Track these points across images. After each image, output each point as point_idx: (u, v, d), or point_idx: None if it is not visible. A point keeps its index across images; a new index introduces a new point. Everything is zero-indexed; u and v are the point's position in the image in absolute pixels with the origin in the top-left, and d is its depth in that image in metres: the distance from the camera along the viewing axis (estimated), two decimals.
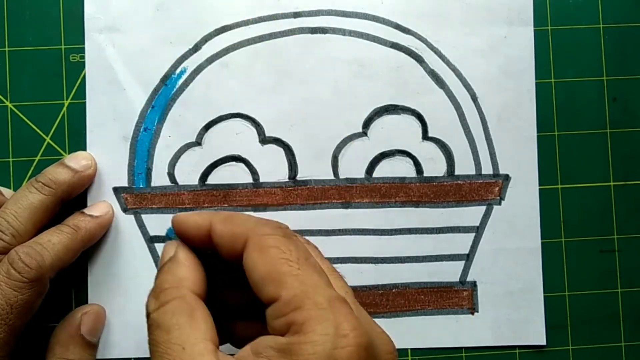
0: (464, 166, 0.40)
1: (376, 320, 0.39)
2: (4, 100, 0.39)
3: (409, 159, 0.40)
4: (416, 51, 0.40)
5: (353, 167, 0.39)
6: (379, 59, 0.39)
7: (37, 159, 0.39)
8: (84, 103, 0.39)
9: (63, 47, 0.39)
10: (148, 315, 0.28)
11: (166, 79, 0.39)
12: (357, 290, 0.39)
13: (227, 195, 0.39)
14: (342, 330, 0.25)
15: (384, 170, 0.40)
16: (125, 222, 0.39)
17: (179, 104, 0.39)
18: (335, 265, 0.39)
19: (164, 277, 0.29)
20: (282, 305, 0.26)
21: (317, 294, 0.26)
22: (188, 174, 0.39)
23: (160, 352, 0.27)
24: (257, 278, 0.27)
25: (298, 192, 0.39)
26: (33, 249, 0.34)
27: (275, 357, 0.25)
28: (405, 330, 0.39)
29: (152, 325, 0.28)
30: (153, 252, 0.39)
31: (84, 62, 0.39)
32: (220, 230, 0.29)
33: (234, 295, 0.32)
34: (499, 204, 0.40)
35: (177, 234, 0.31)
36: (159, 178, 0.39)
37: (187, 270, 0.29)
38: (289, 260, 0.27)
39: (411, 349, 0.39)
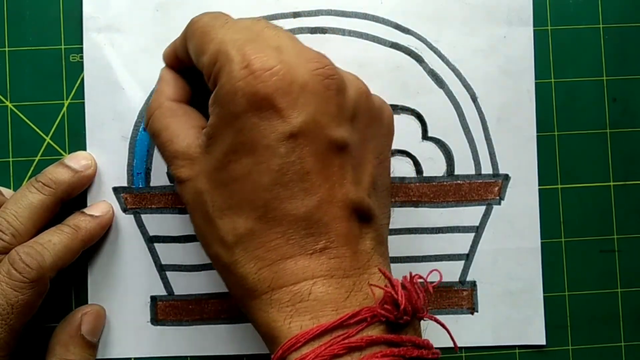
0: (464, 166, 0.40)
1: None
2: (4, 100, 0.39)
3: (408, 159, 0.40)
4: (416, 51, 0.40)
5: None
6: (378, 59, 0.39)
7: (37, 159, 0.39)
8: (84, 103, 0.39)
9: (63, 47, 0.39)
10: (144, 130, 0.35)
11: None
12: None
13: None
14: (242, 65, 0.28)
15: None
16: (125, 222, 0.39)
17: None
18: None
19: (152, 97, 0.34)
20: (206, 67, 0.30)
21: (226, 44, 0.29)
22: None
23: (161, 153, 0.33)
24: (194, 59, 0.31)
25: None
26: (33, 249, 0.34)
27: (212, 109, 0.30)
28: None
29: (150, 136, 0.33)
30: (153, 252, 0.39)
31: (84, 62, 0.39)
32: (177, 44, 0.34)
33: None
34: (499, 203, 0.40)
35: (164, 60, 0.36)
36: (158, 178, 0.39)
37: (165, 84, 0.34)
38: (207, 31, 0.30)
39: None
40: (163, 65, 0.37)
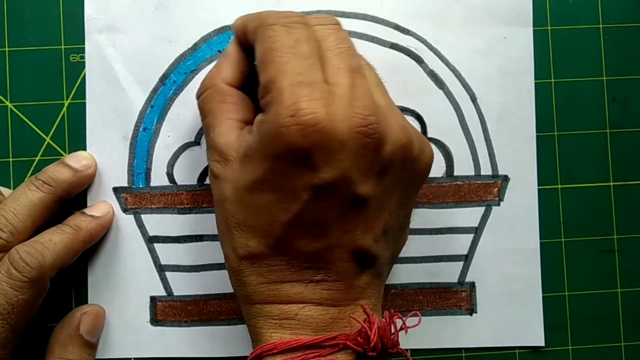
0: (463, 167, 0.40)
1: None
2: (4, 100, 0.39)
3: None
4: (415, 52, 0.40)
5: None
6: (378, 60, 0.39)
7: (37, 159, 0.39)
8: (84, 103, 0.39)
9: (63, 47, 0.39)
10: (197, 100, 0.34)
11: (165, 78, 0.39)
12: None
13: None
14: (291, 111, 0.28)
15: None
16: (125, 222, 0.39)
17: (177, 103, 0.39)
18: None
19: (210, 70, 0.34)
20: (261, 89, 0.30)
21: (283, 79, 0.29)
22: (187, 173, 0.39)
23: (205, 134, 0.33)
24: (257, 66, 0.31)
25: None
26: (34, 249, 0.34)
27: (255, 132, 0.30)
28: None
29: (199, 110, 0.34)
30: (152, 252, 0.39)
31: (84, 62, 0.39)
32: (242, 25, 0.33)
33: None
34: (498, 204, 0.40)
35: (234, 31, 0.34)
36: (158, 178, 0.39)
37: (226, 63, 0.34)
38: (273, 50, 0.30)
39: (410, 350, 0.39)
40: (162, 66, 0.37)
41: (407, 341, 0.39)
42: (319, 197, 0.29)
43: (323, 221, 0.30)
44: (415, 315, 0.34)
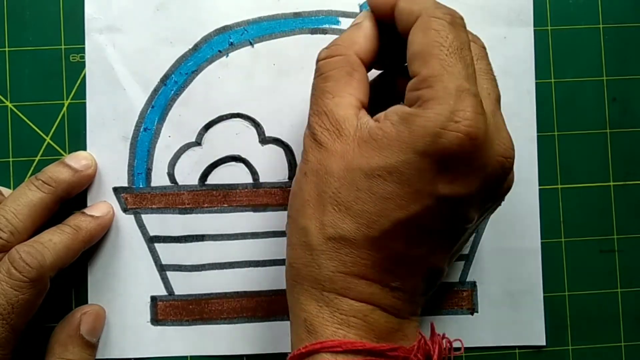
0: None
1: None
2: (4, 100, 0.39)
3: None
4: None
5: None
6: None
7: (37, 159, 0.39)
8: (84, 103, 0.39)
9: (63, 47, 0.39)
10: (317, 62, 0.32)
11: (166, 78, 0.39)
12: None
13: (227, 195, 0.39)
14: (456, 116, 0.27)
15: None
16: (125, 222, 0.39)
17: (178, 104, 0.39)
18: None
19: (343, 35, 0.33)
20: (418, 80, 0.29)
21: (450, 80, 0.28)
22: (188, 174, 0.39)
23: (315, 95, 0.32)
24: (411, 54, 0.30)
25: None
26: (34, 248, 0.34)
27: (396, 121, 0.29)
28: None
29: (317, 71, 0.32)
30: (153, 252, 0.39)
31: (84, 62, 0.39)
32: (402, 5, 0.31)
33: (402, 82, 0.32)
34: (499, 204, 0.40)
35: (370, 5, 0.33)
36: (159, 178, 0.39)
37: (362, 36, 0.32)
38: (441, 45, 0.29)
39: None
40: (163, 67, 0.37)
41: None
42: (439, 206, 0.28)
43: (429, 232, 0.29)
44: (458, 341, 0.33)
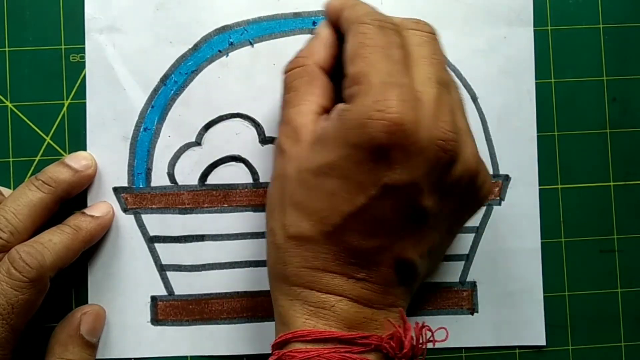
0: None
1: None
2: (4, 100, 0.39)
3: None
4: None
5: None
6: None
7: (37, 159, 0.39)
8: (84, 103, 0.39)
9: (63, 47, 0.39)
10: (283, 75, 0.35)
11: (166, 78, 0.39)
12: None
13: (227, 195, 0.39)
14: (380, 106, 0.28)
15: None
16: (125, 222, 0.39)
17: (178, 104, 0.39)
18: None
19: (303, 47, 0.35)
20: (349, 79, 0.30)
21: (375, 76, 0.29)
22: (188, 174, 0.39)
23: (282, 106, 0.34)
24: (345, 57, 0.32)
25: None
26: (34, 249, 0.34)
27: (334, 118, 0.30)
28: None
29: (283, 85, 0.34)
30: (153, 252, 0.39)
31: (84, 62, 0.39)
32: (344, 15, 0.33)
33: None
34: (499, 204, 0.40)
35: (325, 15, 0.35)
36: (159, 178, 0.39)
37: (320, 44, 0.34)
38: (366, 46, 0.30)
39: None
40: (163, 67, 0.37)
41: None
42: (386, 196, 0.29)
43: (381, 222, 0.30)
44: (443, 330, 0.35)
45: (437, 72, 0.31)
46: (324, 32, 0.35)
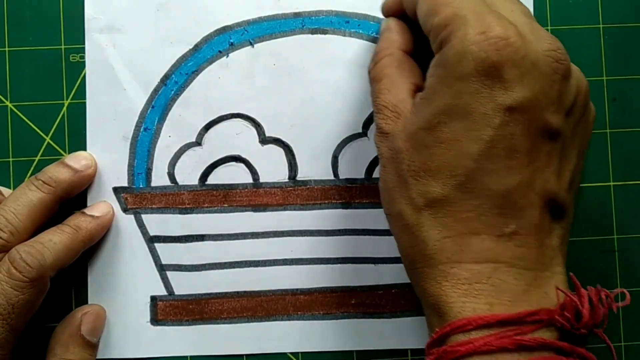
0: None
1: (376, 320, 0.39)
2: (4, 100, 0.39)
3: None
4: None
5: (353, 167, 0.39)
6: None
7: (37, 159, 0.39)
8: (84, 103, 0.39)
9: (63, 47, 0.39)
10: (369, 73, 0.34)
11: (166, 79, 0.39)
12: (357, 291, 0.39)
13: (227, 195, 0.39)
14: (480, 28, 0.28)
15: None
16: (125, 222, 0.39)
17: (179, 104, 0.39)
18: (334, 266, 0.39)
19: (379, 43, 0.35)
20: (435, 29, 0.30)
21: (463, 10, 0.29)
22: (188, 174, 0.39)
23: (374, 98, 0.33)
24: (421, 21, 0.31)
25: (298, 192, 0.39)
26: (34, 248, 0.34)
27: (432, 72, 0.30)
28: (405, 331, 0.39)
29: (370, 80, 0.34)
30: (153, 252, 0.39)
31: (84, 62, 0.39)
32: None
33: None
34: None
35: (384, 14, 0.36)
36: (159, 178, 0.39)
37: (396, 34, 0.34)
38: None
39: (411, 350, 0.39)
40: (163, 67, 0.37)
41: (409, 341, 0.39)
42: (511, 120, 0.27)
43: (515, 152, 0.28)
44: (624, 292, 0.30)
45: (517, 5, 0.31)
46: (391, 22, 0.35)
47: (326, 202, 0.39)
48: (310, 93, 0.39)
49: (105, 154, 0.39)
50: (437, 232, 0.28)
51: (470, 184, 0.28)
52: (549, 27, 0.41)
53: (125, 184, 0.39)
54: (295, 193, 0.39)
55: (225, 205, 0.39)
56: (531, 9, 0.40)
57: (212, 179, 0.39)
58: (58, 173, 0.37)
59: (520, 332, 0.26)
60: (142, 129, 0.39)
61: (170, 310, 0.39)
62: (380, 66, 0.33)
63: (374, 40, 0.40)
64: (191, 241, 0.39)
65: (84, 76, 0.39)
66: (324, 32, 0.40)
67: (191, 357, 0.39)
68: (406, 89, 0.32)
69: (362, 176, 0.40)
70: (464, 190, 0.28)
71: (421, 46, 0.34)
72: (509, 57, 0.27)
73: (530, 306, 0.27)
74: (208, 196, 0.39)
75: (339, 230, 0.39)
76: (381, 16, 0.39)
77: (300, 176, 0.39)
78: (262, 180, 0.39)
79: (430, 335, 0.28)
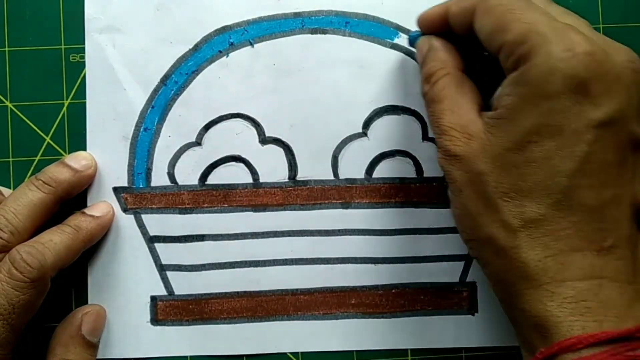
0: None
1: (376, 320, 0.39)
2: (4, 100, 0.39)
3: (409, 160, 0.40)
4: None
5: (353, 167, 0.39)
6: (379, 60, 0.39)
7: (37, 159, 0.39)
8: (84, 103, 0.39)
9: (63, 47, 0.39)
10: (424, 96, 0.34)
11: (166, 79, 0.39)
12: (357, 291, 0.39)
13: (227, 195, 0.39)
14: (565, 45, 0.28)
15: (383, 170, 0.40)
16: (125, 222, 0.39)
17: (179, 104, 0.39)
18: (334, 266, 0.39)
19: (430, 64, 0.34)
20: (508, 47, 0.29)
21: (539, 26, 0.28)
22: (188, 174, 0.39)
23: (434, 120, 0.32)
24: (486, 36, 0.31)
25: (298, 192, 0.39)
26: (35, 249, 0.34)
27: (510, 90, 0.29)
28: (405, 331, 0.39)
29: (429, 102, 0.33)
30: (153, 252, 0.39)
31: (84, 62, 0.39)
32: (453, 11, 0.33)
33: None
34: None
35: (422, 28, 0.36)
36: (159, 178, 0.39)
37: (446, 53, 0.34)
38: (511, 10, 0.29)
39: (411, 350, 0.39)
40: (163, 67, 0.37)
41: (408, 341, 0.39)
42: (603, 135, 0.28)
43: (608, 165, 0.28)
44: None
45: (577, 20, 0.31)
46: (435, 42, 0.34)
47: (326, 202, 0.39)
48: (310, 93, 0.39)
49: (105, 154, 0.39)
50: (537, 253, 0.28)
51: (567, 201, 0.28)
52: None
53: (125, 184, 0.39)
54: (295, 193, 0.39)
55: (225, 205, 0.39)
56: None
57: (212, 179, 0.39)
58: (58, 173, 0.37)
59: (631, 347, 0.26)
60: (142, 129, 0.39)
61: (170, 310, 0.39)
62: (439, 87, 0.32)
63: (374, 40, 0.40)
64: (191, 241, 0.39)
65: (84, 76, 0.39)
66: (324, 32, 0.40)
67: (191, 357, 0.39)
68: (471, 109, 0.31)
69: (362, 176, 0.40)
70: (561, 207, 0.28)
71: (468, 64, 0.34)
72: (595, 72, 0.27)
73: (637, 321, 0.27)
74: (208, 196, 0.39)
75: (338, 230, 0.39)
76: (382, 15, 0.40)
77: (300, 176, 0.39)
78: (262, 180, 0.39)
79: (532, 355, 0.28)
